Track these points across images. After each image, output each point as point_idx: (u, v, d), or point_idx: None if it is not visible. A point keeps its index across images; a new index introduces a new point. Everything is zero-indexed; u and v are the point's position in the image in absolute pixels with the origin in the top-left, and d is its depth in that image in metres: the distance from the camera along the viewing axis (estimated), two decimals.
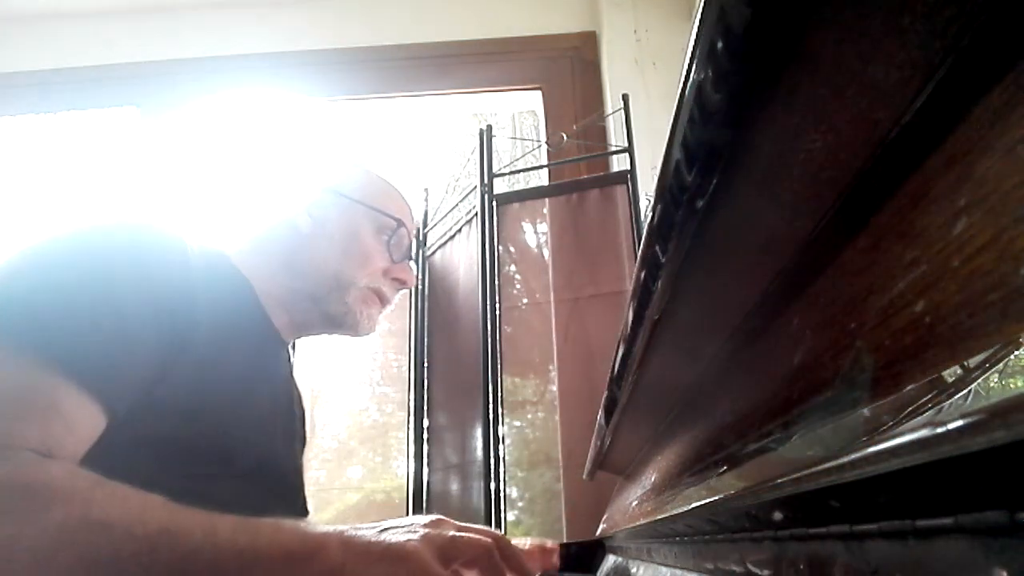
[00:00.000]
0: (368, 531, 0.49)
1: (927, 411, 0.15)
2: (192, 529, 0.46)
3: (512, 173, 1.64)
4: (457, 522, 0.53)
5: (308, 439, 0.90)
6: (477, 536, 0.52)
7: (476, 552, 0.51)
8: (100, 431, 0.53)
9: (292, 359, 0.87)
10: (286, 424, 0.79)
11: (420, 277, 1.66)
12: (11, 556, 0.42)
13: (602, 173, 1.50)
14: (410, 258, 0.86)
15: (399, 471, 1.52)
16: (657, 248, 0.34)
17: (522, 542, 0.79)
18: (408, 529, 0.49)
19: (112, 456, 0.53)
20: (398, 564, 0.46)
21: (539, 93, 1.87)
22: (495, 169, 1.51)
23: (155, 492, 0.54)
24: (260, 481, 0.69)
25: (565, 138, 1.57)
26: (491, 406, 1.34)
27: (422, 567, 0.46)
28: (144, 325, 0.56)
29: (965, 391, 0.14)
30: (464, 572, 0.50)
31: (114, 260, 0.58)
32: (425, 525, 0.50)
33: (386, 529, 0.50)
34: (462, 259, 1.57)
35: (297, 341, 0.95)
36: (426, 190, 1.75)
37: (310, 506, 0.81)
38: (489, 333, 1.39)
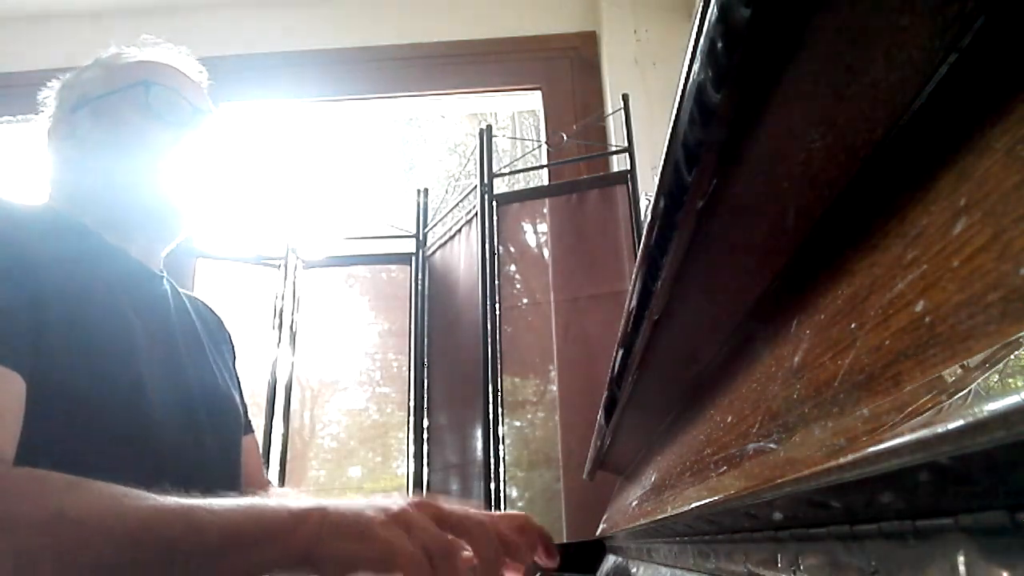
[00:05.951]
0: (346, 506, 0.49)
1: (927, 411, 0.15)
2: (173, 521, 0.45)
3: (512, 173, 1.64)
4: (445, 504, 0.52)
5: (235, 364, 0.91)
6: (462, 508, 0.51)
7: (461, 518, 0.49)
8: (24, 397, 0.54)
9: (170, 288, 0.83)
10: (192, 348, 0.78)
11: (420, 277, 1.66)
12: None
13: (602, 173, 1.50)
14: (197, 111, 0.81)
15: (399, 471, 1.52)
16: (657, 248, 0.34)
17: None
18: (384, 505, 0.49)
19: (30, 425, 0.53)
20: (368, 541, 0.46)
21: (539, 93, 1.86)
22: (495, 169, 1.51)
23: (96, 445, 0.54)
24: (186, 405, 0.70)
25: (565, 138, 1.56)
26: (491, 406, 1.34)
27: (388, 544, 0.46)
28: (6, 285, 0.57)
29: (965, 391, 0.14)
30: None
31: None
32: (411, 505, 0.49)
33: (366, 507, 0.49)
34: (462, 259, 1.57)
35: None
36: (426, 190, 1.75)
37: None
38: (489, 333, 1.39)
